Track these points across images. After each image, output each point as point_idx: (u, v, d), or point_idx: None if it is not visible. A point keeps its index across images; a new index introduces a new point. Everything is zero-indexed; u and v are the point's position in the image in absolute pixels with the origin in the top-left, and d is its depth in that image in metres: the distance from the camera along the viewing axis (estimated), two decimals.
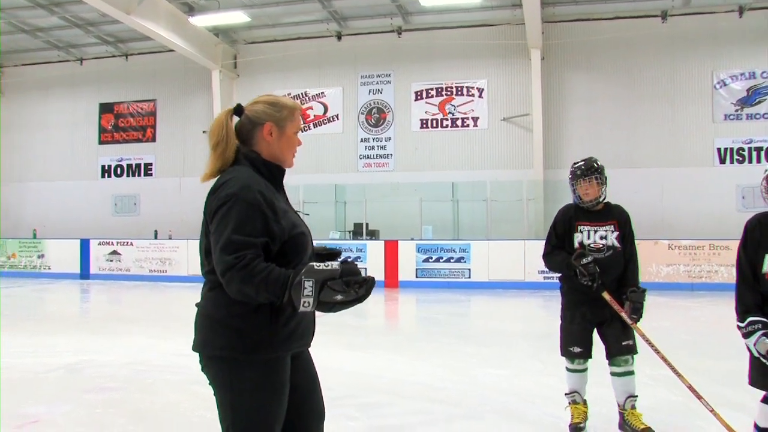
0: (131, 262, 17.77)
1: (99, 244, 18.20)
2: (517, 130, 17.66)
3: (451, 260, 15.67)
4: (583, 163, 4.66)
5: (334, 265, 2.18)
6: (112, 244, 18.13)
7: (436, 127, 18.36)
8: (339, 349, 7.91)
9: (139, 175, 20.74)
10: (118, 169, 20.96)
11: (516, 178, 17.17)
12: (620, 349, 4.43)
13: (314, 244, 2.59)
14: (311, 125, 19.34)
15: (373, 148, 18.93)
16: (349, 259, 2.33)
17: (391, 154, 18.80)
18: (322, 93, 19.32)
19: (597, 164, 4.61)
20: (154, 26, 15.82)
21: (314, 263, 2.20)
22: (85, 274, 18.18)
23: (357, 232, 17.52)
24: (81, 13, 17.61)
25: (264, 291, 2.18)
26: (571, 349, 4.54)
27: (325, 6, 17.26)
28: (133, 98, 20.74)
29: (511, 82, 17.72)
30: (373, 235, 17.24)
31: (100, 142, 21.16)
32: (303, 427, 2.57)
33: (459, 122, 18.16)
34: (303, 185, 18.07)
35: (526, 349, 7.95)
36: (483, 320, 11.70)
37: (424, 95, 18.43)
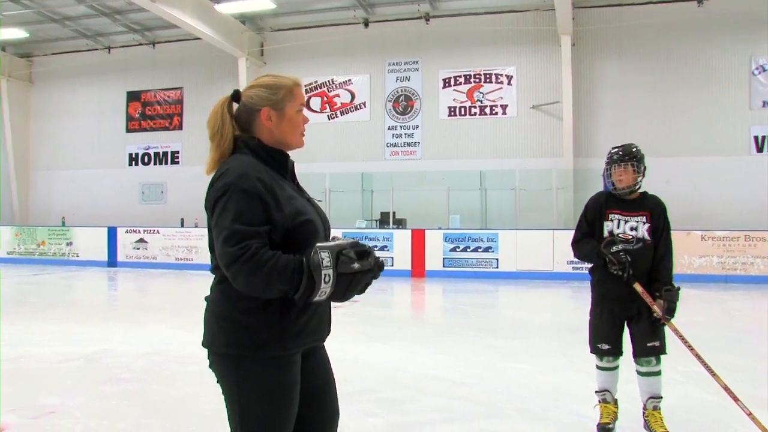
0: (158, 250, 17.82)
1: (126, 232, 18.28)
2: (547, 118, 17.35)
3: (479, 250, 15.47)
4: (621, 148, 4.42)
5: (341, 239, 2.11)
6: (139, 232, 18.20)
7: (465, 114, 18.12)
8: (361, 340, 7.79)
9: (166, 163, 20.81)
10: (146, 158, 21.05)
11: (545, 167, 16.88)
12: (646, 350, 4.22)
13: (331, 233, 2.46)
14: (338, 113, 19.24)
15: (400, 136, 18.75)
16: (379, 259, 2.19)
17: (419, 142, 18.60)
18: (349, 80, 19.18)
19: (636, 151, 4.37)
20: (180, 14, 15.76)
21: (321, 243, 2.10)
22: (112, 261, 18.30)
23: (384, 221, 17.39)
24: (108, 1, 17.71)
25: (276, 281, 2.05)
26: (600, 346, 4.34)
27: None
28: (160, 86, 20.80)
29: (541, 69, 17.41)
30: (400, 224, 17.09)
31: (128, 131, 21.27)
32: (315, 429, 2.43)
33: (487, 110, 17.90)
34: (329, 173, 18.02)
35: (553, 343, 7.74)
36: (510, 311, 11.50)
37: (452, 82, 18.19)
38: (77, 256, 18.79)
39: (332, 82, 19.34)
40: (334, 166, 18.70)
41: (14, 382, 5.79)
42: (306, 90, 19.43)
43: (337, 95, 19.33)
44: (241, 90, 2.43)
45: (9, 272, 16.78)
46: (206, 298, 2.32)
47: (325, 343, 2.52)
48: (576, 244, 4.47)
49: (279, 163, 2.37)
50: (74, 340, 7.77)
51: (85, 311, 10.74)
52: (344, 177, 18.09)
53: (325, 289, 2.04)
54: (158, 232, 18.03)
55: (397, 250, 15.99)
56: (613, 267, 4.14)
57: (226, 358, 2.23)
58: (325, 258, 2.03)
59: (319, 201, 2.62)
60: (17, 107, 22.18)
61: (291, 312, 2.21)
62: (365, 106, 19.10)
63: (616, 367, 4.42)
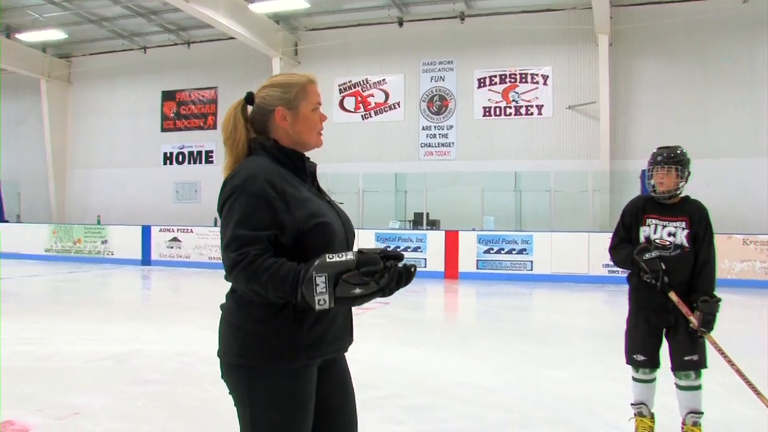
0: (191, 249, 17.91)
1: (160, 230, 18.41)
2: (583, 119, 17.06)
3: (513, 252, 15.27)
4: (666, 149, 4.18)
5: (349, 255, 1.93)
6: (173, 230, 18.30)
7: (499, 115, 17.92)
8: (390, 343, 7.69)
9: (200, 162, 20.94)
10: (180, 157, 21.21)
11: (581, 169, 16.60)
12: (683, 364, 4.00)
13: (355, 238, 2.35)
14: (372, 113, 19.17)
15: (434, 136, 18.62)
16: (408, 264, 2.02)
17: (453, 143, 18.45)
18: (384, 80, 19.09)
19: (681, 154, 4.14)
20: (214, 13, 15.81)
21: (327, 254, 1.95)
22: (146, 260, 18.44)
23: (417, 221, 17.27)
24: (144, 2, 17.87)
25: (273, 290, 1.95)
26: (635, 356, 4.14)
27: None
28: (194, 86, 20.94)
29: (577, 68, 17.13)
30: (433, 225, 16.96)
31: (163, 130, 21.46)
32: None
33: (523, 110, 17.68)
34: (363, 173, 17.99)
35: (587, 349, 7.55)
36: (544, 315, 11.29)
37: (487, 82, 17.99)
38: (112, 254, 18.97)
39: (366, 81, 19.27)
40: (367, 166, 18.64)
41: (43, 380, 5.81)
42: (340, 90, 19.42)
43: (371, 95, 19.26)
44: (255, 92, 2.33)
45: (46, 269, 17.04)
46: (221, 307, 2.23)
47: (346, 354, 2.40)
48: (612, 249, 4.28)
49: (296, 164, 2.27)
50: (105, 339, 7.77)
51: (117, 310, 10.79)
52: (378, 177, 18.02)
53: (322, 307, 1.92)
54: (192, 231, 18.12)
55: (431, 251, 15.87)
56: (645, 275, 3.95)
57: (238, 368, 2.13)
58: (320, 284, 1.90)
59: (341, 203, 2.48)
60: (56, 107, 22.53)
61: (306, 321, 2.10)
62: (399, 106, 19.00)
63: (653, 380, 4.22)
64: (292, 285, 1.93)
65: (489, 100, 17.99)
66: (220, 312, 2.22)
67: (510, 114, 17.82)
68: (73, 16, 19.06)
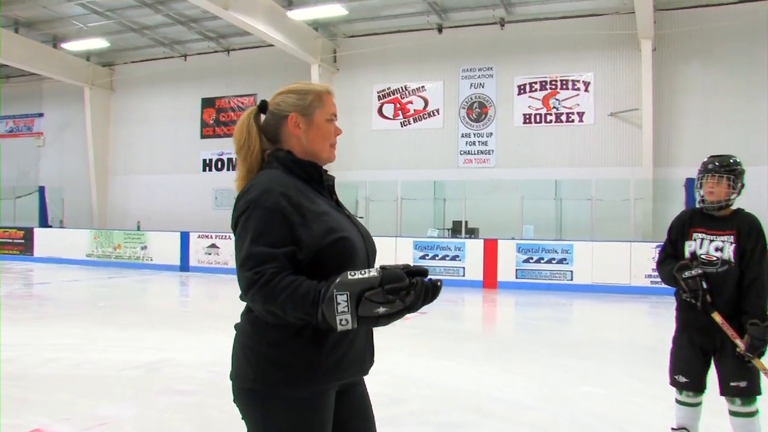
0: (229, 256, 17.94)
1: (198, 237, 18.52)
2: (625, 126, 16.71)
3: (553, 261, 15.00)
4: (718, 158, 3.90)
5: (372, 272, 1.81)
6: (211, 237, 18.40)
7: (540, 122, 17.66)
8: (425, 355, 7.55)
9: None
10: (219, 163, 21.36)
11: (623, 177, 16.25)
12: (730, 389, 3.70)
13: (374, 254, 2.23)
14: (411, 120, 19.07)
15: (474, 143, 18.44)
16: (433, 279, 1.87)
17: (493, 150, 18.24)
18: (423, 87, 18.98)
19: (734, 163, 3.86)
20: (252, 21, 15.88)
21: (349, 272, 1.83)
22: (184, 266, 18.57)
23: (456, 230, 17.10)
24: (184, 10, 18.03)
25: (292, 311, 1.84)
26: (678, 377, 3.88)
27: None
28: (234, 93, 21.07)
29: (620, 75, 16.79)
30: (472, 233, 16.76)
31: (202, 137, 21.64)
32: None
33: (563, 117, 17.40)
34: (401, 181, 17.91)
35: (627, 365, 7.31)
36: (583, 327, 11.03)
37: (528, 89, 17.76)
38: (151, 259, 19.15)
39: (405, 88, 19.18)
40: (406, 173, 18.55)
41: (73, 388, 5.82)
42: (378, 97, 19.36)
43: (410, 102, 19.16)
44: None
45: (86, 274, 17.25)
46: (235, 327, 2.12)
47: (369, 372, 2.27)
48: (659, 266, 4.02)
49: (312, 176, 2.16)
50: (138, 347, 7.77)
51: (154, 316, 10.84)
52: (416, 185, 17.91)
53: (345, 327, 1.80)
54: (230, 237, 17.95)
55: (469, 260, 15.69)
56: (685, 294, 3.70)
57: (252, 393, 2.02)
58: (342, 303, 1.77)
59: (360, 218, 2.34)
60: (98, 114, 22.91)
61: (325, 344, 1.98)
62: (438, 113, 18.86)
63: (699, 404, 3.94)
64: (312, 305, 1.82)
65: (529, 107, 17.75)
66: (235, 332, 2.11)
67: (550, 121, 17.56)
68: (116, 25, 19.39)
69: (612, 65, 16.90)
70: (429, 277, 1.86)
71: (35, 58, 20.35)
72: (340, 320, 1.78)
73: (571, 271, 14.81)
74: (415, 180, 18.11)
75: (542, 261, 15.07)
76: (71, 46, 20.33)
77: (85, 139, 22.97)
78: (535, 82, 17.66)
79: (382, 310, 1.77)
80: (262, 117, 2.22)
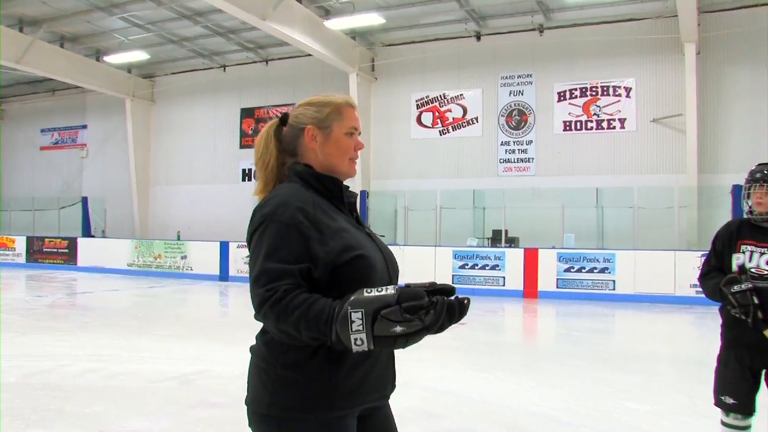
0: None
1: (238, 246, 18.59)
2: (669, 132, 16.36)
3: (595, 270, 14.72)
4: (766, 165, 3.68)
5: (390, 289, 1.71)
6: None
7: (580, 129, 17.39)
8: (463, 368, 7.40)
9: None
10: None
11: (666, 184, 15.90)
12: None
13: (396, 273, 2.11)
14: (450, 128, 18.96)
15: (513, 151, 18.24)
16: (460, 297, 1.78)
17: (533, 158, 18.03)
18: (461, 95, 18.85)
19: None
20: (290, 31, 15.93)
21: (365, 289, 1.73)
22: (224, 276, 18.68)
23: (495, 239, 16.90)
24: (222, 21, 18.20)
25: (306, 330, 1.74)
26: (724, 398, 3.64)
27: (462, 5, 16.75)
28: (272, 103, 21.18)
29: (662, 79, 16.45)
30: (512, 242, 16.55)
31: (241, 146, 21.80)
32: None
33: (604, 124, 17.10)
34: (440, 190, 17.81)
35: (672, 379, 7.07)
36: (626, 339, 10.74)
37: (568, 96, 17.51)
38: (191, 269, 19.29)
39: (444, 96, 19.07)
40: (445, 182, 18.44)
41: (107, 400, 5.82)
42: (417, 105, 19.28)
43: (449, 110, 19.04)
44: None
45: (127, 284, 17.43)
46: (251, 349, 2.02)
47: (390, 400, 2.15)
48: (702, 279, 3.79)
49: (332, 192, 2.07)
50: (175, 358, 7.76)
51: (191, 327, 10.85)
52: (456, 194, 17.77)
53: (360, 348, 1.69)
54: None
55: (509, 269, 15.50)
56: (734, 309, 3.45)
57: (267, 419, 1.92)
58: (356, 320, 1.67)
59: (382, 236, 2.23)
60: (139, 125, 23.28)
61: (343, 366, 1.88)
62: (477, 121, 18.71)
63: (747, 427, 3.68)
64: (326, 323, 1.72)
65: (569, 114, 17.50)
66: (256, 352, 2.01)
67: (591, 128, 17.27)
68: (156, 38, 19.68)
69: (654, 70, 16.56)
70: (457, 295, 1.76)
71: (79, 71, 20.80)
72: (355, 339, 1.68)
73: (614, 281, 14.51)
74: (455, 189, 17.98)
75: (583, 270, 14.80)
76: (113, 59, 20.68)
77: (127, 150, 23.35)
78: (576, 89, 17.40)
79: (399, 329, 1.66)
80: (284, 130, 2.14)
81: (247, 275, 1.93)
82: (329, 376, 1.87)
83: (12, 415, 5.51)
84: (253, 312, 1.84)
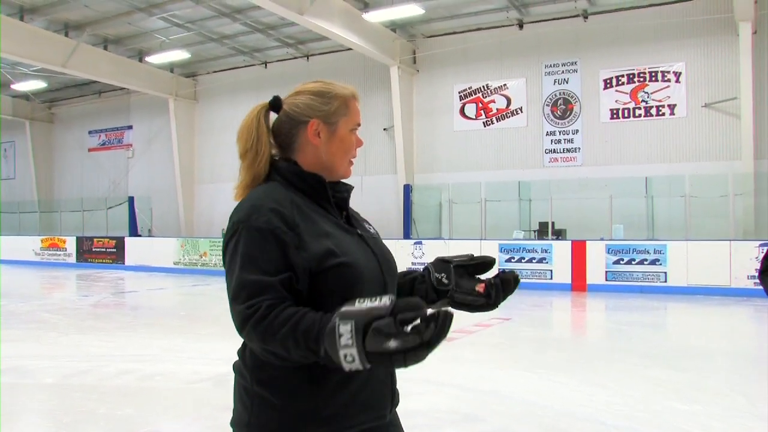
0: None
1: None
2: (722, 117, 15.72)
3: (645, 262, 14.25)
4: None
5: (384, 299, 1.45)
6: None
7: (628, 117, 16.86)
8: (505, 365, 7.14)
9: None
10: None
11: (720, 171, 15.26)
12: None
13: (394, 280, 1.88)
14: (494, 119, 18.63)
15: (559, 141, 17.81)
16: (505, 271, 1.76)
17: (579, 148, 17.56)
18: (505, 85, 18.48)
19: None
20: (329, 24, 15.76)
21: (358, 299, 1.47)
22: None
23: (542, 231, 16.58)
24: (261, 17, 18.15)
25: (294, 348, 1.50)
26: None
27: None
28: None
29: (715, 62, 15.79)
30: (559, 234, 16.17)
31: None
32: None
33: (653, 111, 16.54)
34: (485, 182, 17.52)
35: (728, 378, 6.68)
36: (678, 334, 10.33)
37: (614, 83, 16.99)
38: None
39: (487, 87, 18.72)
40: (490, 174, 18.12)
41: (141, 402, 5.81)
42: (460, 96, 18.99)
43: (492, 101, 18.69)
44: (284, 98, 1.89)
45: (172, 282, 17.57)
46: (234, 366, 1.80)
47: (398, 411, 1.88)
48: (763, 274, 3.51)
49: (315, 190, 1.81)
50: (210, 358, 7.66)
51: (230, 326, 10.58)
52: (500, 186, 17.45)
53: (352, 366, 1.44)
54: None
55: (557, 262, 15.15)
56: None
57: None
58: (345, 333, 1.41)
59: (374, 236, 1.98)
60: (183, 124, 23.45)
61: (327, 383, 1.64)
62: (522, 112, 18.32)
63: None
64: (316, 340, 1.48)
65: (616, 101, 16.98)
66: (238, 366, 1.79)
67: (639, 115, 16.72)
68: (196, 36, 19.74)
69: (705, 53, 15.91)
70: (501, 269, 1.56)
71: (123, 72, 21.06)
72: (345, 356, 1.42)
73: (665, 273, 14.02)
74: (499, 181, 17.65)
75: (633, 262, 14.35)
76: (155, 59, 20.83)
77: (171, 149, 23.58)
78: (622, 75, 16.86)
79: (393, 344, 1.39)
80: (273, 117, 1.88)
81: None
82: (310, 395, 1.64)
83: (45, 417, 5.57)
84: None
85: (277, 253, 1.62)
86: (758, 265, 3.53)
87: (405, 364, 1.42)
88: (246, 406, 1.70)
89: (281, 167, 1.81)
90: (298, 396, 1.64)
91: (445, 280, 1.89)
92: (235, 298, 1.60)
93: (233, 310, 1.60)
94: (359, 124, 1.89)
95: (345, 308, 1.45)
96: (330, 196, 1.82)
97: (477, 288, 1.87)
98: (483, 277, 1.92)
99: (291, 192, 1.75)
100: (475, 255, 1.94)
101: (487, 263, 1.88)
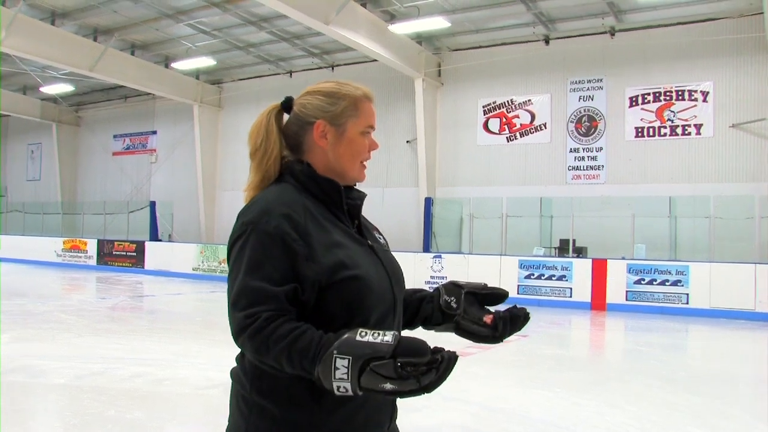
0: None
1: None
2: (750, 138, 15.49)
3: (667, 283, 14.03)
4: None
5: (387, 337, 1.41)
6: None
7: (653, 135, 16.67)
8: (522, 384, 7.02)
9: None
10: None
11: (746, 193, 15.02)
12: None
13: (401, 292, 1.81)
14: (517, 134, 18.51)
15: (583, 158, 17.64)
16: (516, 306, 1.74)
17: (603, 166, 17.39)
18: (529, 101, 18.37)
19: None
20: (354, 35, 15.75)
21: (360, 330, 1.44)
22: None
23: (563, 248, 16.39)
24: (287, 26, 18.23)
25: (288, 365, 1.46)
26: None
27: (530, 8, 16.25)
28: None
29: (743, 82, 15.56)
30: (580, 252, 15.98)
31: None
32: None
33: (679, 130, 16.33)
34: (507, 198, 17.41)
35: (752, 404, 6.51)
36: (699, 357, 10.13)
37: (640, 101, 16.82)
38: None
39: (511, 102, 18.62)
40: (512, 190, 18.00)
41: (150, 407, 5.79)
42: (484, 111, 18.91)
43: (517, 116, 18.59)
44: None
45: (190, 288, 17.61)
46: (231, 373, 1.72)
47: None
48: None
49: (330, 197, 1.74)
50: (223, 365, 7.44)
51: None
52: (522, 201, 17.33)
53: (344, 393, 1.42)
54: None
55: (577, 280, 14.98)
56: None
57: None
58: (341, 368, 1.39)
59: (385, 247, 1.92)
60: (207, 131, 23.60)
61: (330, 396, 1.53)
62: (546, 128, 18.19)
63: None
64: (312, 362, 1.44)
65: (642, 119, 16.80)
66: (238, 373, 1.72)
67: (665, 134, 16.52)
68: (222, 44, 19.86)
69: (734, 72, 15.69)
70: (515, 305, 1.70)
71: (149, 78, 21.25)
72: (338, 387, 1.41)
73: (687, 294, 13.80)
74: (521, 196, 17.52)
75: (655, 282, 14.14)
76: (181, 65, 20.99)
77: (194, 156, 23.69)
78: (648, 94, 16.68)
79: (389, 386, 1.38)
80: (285, 117, 1.82)
81: None
82: (311, 408, 1.58)
83: (54, 417, 5.56)
84: None
85: (285, 261, 1.55)
86: None
87: (400, 397, 1.43)
88: (243, 415, 1.63)
89: (295, 169, 1.75)
90: (299, 408, 1.58)
91: (453, 305, 1.84)
92: (234, 304, 1.54)
93: (231, 316, 1.55)
94: (372, 126, 1.80)
95: (344, 339, 1.42)
96: (344, 203, 1.76)
97: (484, 318, 1.82)
98: (493, 308, 1.86)
99: (304, 196, 1.69)
100: (488, 285, 1.89)
101: (499, 295, 1.85)
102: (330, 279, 1.58)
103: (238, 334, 1.52)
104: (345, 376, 1.38)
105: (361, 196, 1.83)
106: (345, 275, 1.60)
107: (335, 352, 1.40)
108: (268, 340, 1.46)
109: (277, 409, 1.58)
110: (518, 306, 1.81)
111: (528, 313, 1.81)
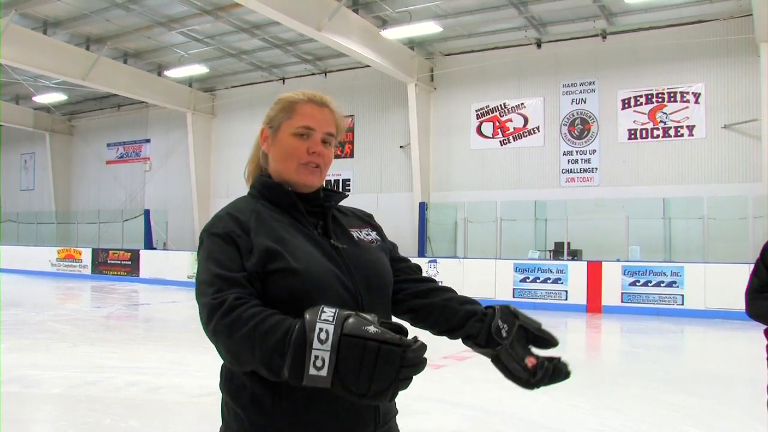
0: None
1: None
2: (742, 138, 15.55)
3: (662, 284, 14.07)
4: None
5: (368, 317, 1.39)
6: None
7: (646, 137, 16.71)
8: (515, 388, 6.92)
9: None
10: None
11: (739, 193, 15.06)
12: None
13: (370, 297, 1.72)
14: (510, 138, 18.52)
15: (576, 161, 17.67)
16: (561, 360, 1.71)
17: (596, 168, 17.42)
18: (522, 104, 18.40)
19: None
20: (346, 41, 15.75)
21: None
22: None
23: (558, 251, 16.45)
24: (280, 33, 18.22)
25: (259, 346, 1.40)
26: None
27: (522, 12, 16.29)
28: None
29: (735, 83, 15.63)
30: (575, 255, 16.03)
31: None
32: None
33: (672, 131, 16.38)
34: (501, 201, 17.43)
35: (749, 405, 6.49)
36: (695, 358, 10.15)
37: (632, 103, 16.87)
38: None
39: (504, 106, 18.65)
40: (506, 193, 18.02)
41: (145, 415, 5.80)
42: (477, 115, 18.93)
43: (510, 120, 18.61)
44: None
45: (185, 296, 17.52)
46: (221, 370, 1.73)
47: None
48: (749, 295, 3.41)
49: (283, 201, 1.75)
50: (217, 373, 7.52)
51: None
52: (516, 205, 17.35)
53: (317, 374, 1.33)
54: None
55: (572, 283, 15.02)
56: None
57: None
58: (327, 311, 1.37)
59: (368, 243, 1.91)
60: (200, 138, 23.62)
61: (292, 399, 1.56)
62: (539, 131, 18.21)
63: None
64: (283, 343, 1.37)
65: (634, 121, 16.85)
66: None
67: (657, 136, 16.57)
68: (215, 51, 19.86)
69: (725, 74, 15.76)
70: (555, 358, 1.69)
71: (142, 86, 21.22)
72: (319, 330, 1.33)
73: (682, 295, 13.83)
74: (515, 200, 17.54)
75: (650, 284, 14.18)
76: (174, 73, 20.96)
77: (188, 163, 23.67)
78: (641, 96, 16.74)
79: (372, 329, 1.33)
80: None
81: None
82: (271, 410, 1.57)
83: (50, 427, 5.53)
84: None
85: (236, 254, 1.59)
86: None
87: (376, 362, 1.31)
88: (224, 420, 1.68)
89: (255, 180, 1.83)
90: (259, 409, 1.57)
91: (504, 333, 1.72)
92: (202, 293, 1.55)
93: (200, 305, 1.54)
94: (309, 127, 1.76)
95: (323, 308, 1.40)
96: (299, 205, 1.76)
97: (526, 360, 1.72)
98: (538, 352, 1.76)
99: (261, 204, 1.74)
100: (543, 327, 1.78)
101: (550, 341, 1.75)
102: (263, 269, 1.58)
103: (209, 318, 1.49)
104: (330, 318, 1.35)
105: (333, 198, 1.83)
106: (276, 267, 1.59)
107: (323, 305, 1.40)
108: (240, 318, 1.44)
109: (241, 409, 1.59)
110: (563, 360, 1.72)
111: (570, 372, 1.72)
